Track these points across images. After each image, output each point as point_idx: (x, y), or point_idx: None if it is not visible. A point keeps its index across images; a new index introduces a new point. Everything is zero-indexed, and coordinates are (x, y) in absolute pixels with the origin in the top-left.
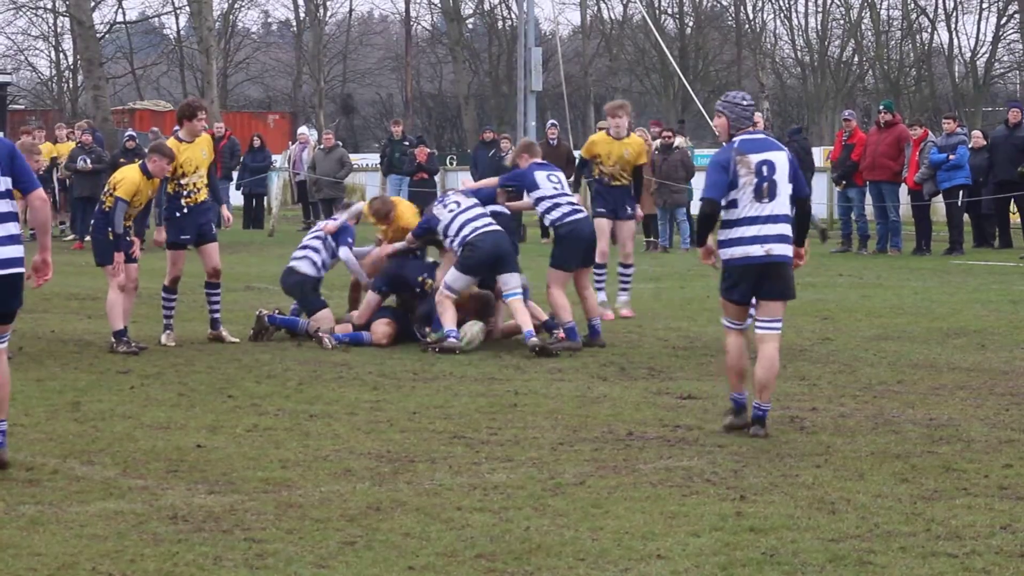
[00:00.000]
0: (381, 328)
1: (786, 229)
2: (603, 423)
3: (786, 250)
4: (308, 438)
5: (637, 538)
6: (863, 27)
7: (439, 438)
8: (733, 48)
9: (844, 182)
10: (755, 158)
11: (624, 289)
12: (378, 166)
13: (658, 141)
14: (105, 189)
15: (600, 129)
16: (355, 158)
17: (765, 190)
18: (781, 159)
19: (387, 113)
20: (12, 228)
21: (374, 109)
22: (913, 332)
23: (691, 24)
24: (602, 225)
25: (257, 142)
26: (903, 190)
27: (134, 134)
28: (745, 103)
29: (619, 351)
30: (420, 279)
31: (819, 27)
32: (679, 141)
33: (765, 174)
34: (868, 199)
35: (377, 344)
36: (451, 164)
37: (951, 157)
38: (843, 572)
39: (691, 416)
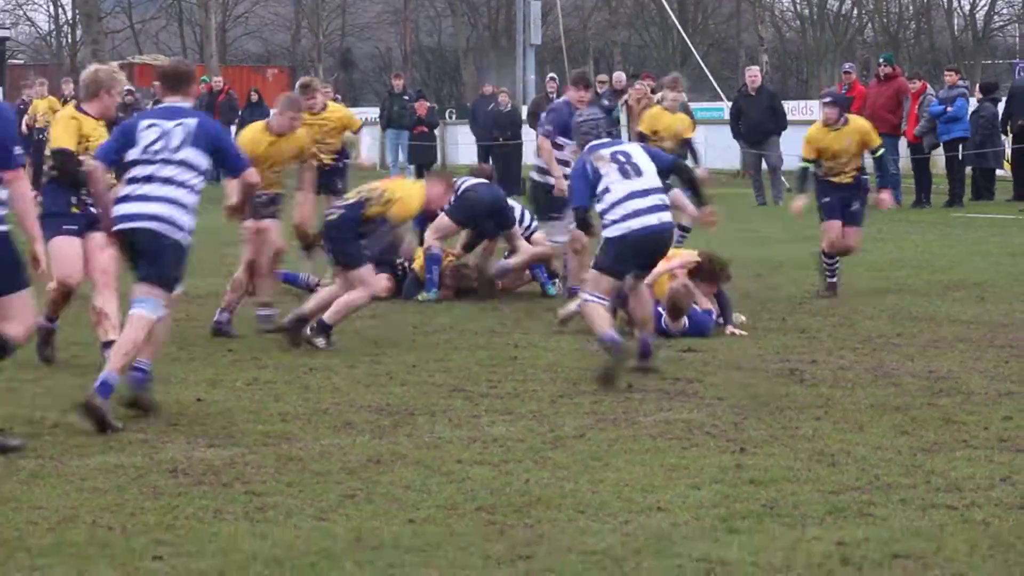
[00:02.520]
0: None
1: (664, 199)
2: None
3: (670, 217)
4: (308, 391)
5: (637, 490)
6: None
7: (439, 391)
8: (732, 1)
9: None
10: (607, 151)
11: None
12: (377, 120)
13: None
14: None
15: (655, 103)
16: (354, 112)
17: (630, 170)
18: (634, 148)
19: (386, 67)
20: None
21: (373, 63)
22: (913, 285)
23: None
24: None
25: (255, 96)
26: (902, 143)
27: (132, 88)
28: (585, 120)
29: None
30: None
31: None
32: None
33: (623, 160)
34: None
35: (376, 298)
36: (450, 118)
37: (948, 109)
38: (843, 524)
39: (691, 369)
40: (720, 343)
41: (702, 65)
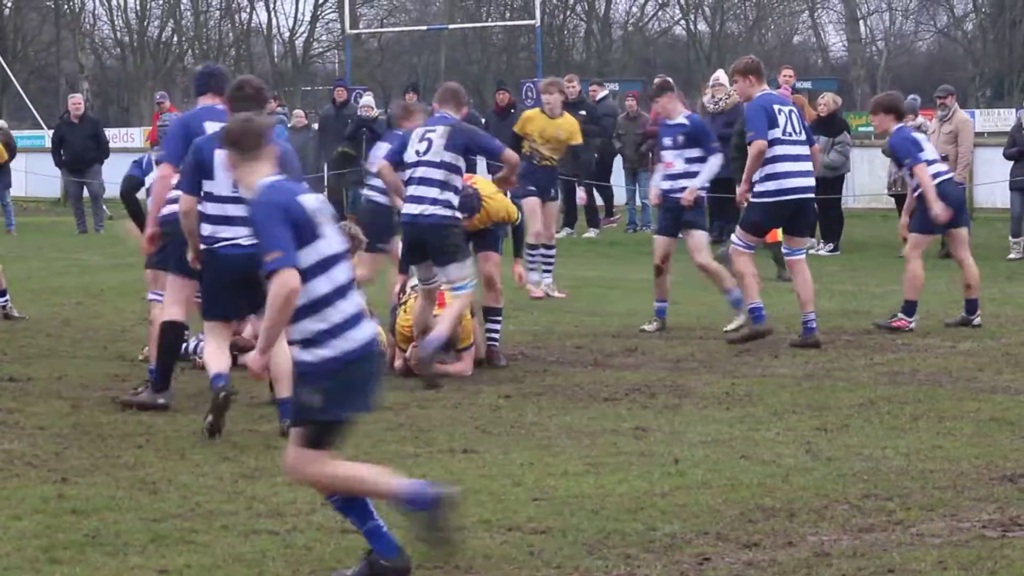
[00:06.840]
0: None
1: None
2: None
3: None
4: None
5: None
6: (183, 7)
7: None
8: (52, 28)
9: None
10: None
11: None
12: None
13: None
14: None
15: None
16: None
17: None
18: None
19: None
20: None
21: None
22: None
23: (9, 4)
24: (532, 204)
25: None
26: None
27: None
28: None
29: None
30: None
31: (139, 8)
32: None
33: None
34: None
35: None
36: None
37: None
38: (166, 552)
39: (10, 399)
40: (40, 372)
41: (22, 93)
